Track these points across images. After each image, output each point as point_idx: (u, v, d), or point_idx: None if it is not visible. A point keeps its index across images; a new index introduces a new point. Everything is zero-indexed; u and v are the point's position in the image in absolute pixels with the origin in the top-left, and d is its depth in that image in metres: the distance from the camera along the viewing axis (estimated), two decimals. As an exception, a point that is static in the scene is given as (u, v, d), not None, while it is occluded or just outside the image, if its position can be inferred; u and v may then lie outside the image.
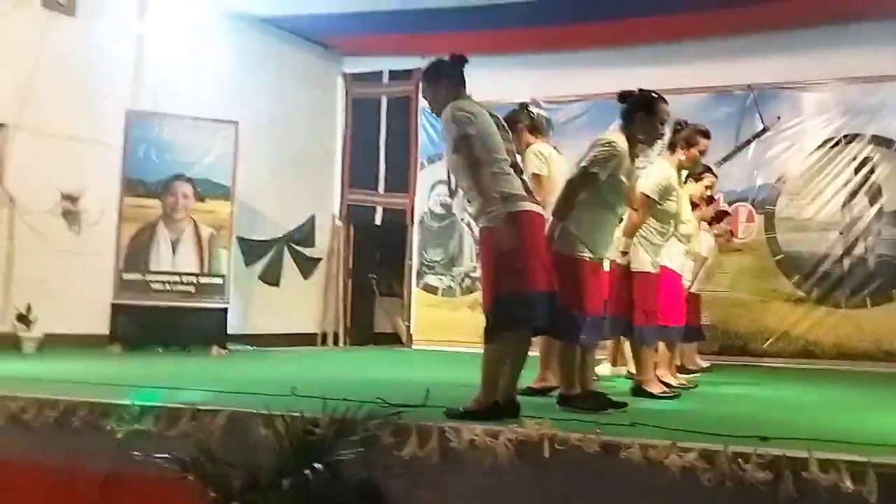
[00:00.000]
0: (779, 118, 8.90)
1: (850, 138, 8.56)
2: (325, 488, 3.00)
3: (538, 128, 5.17)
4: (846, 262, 8.50)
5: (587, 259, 3.96)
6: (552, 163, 4.94)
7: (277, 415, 3.22)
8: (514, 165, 3.81)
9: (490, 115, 3.76)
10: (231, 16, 8.95)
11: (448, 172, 9.63)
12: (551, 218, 3.94)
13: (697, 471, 2.68)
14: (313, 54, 10.24)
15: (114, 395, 3.68)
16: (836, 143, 8.64)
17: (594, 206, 3.97)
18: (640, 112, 4.10)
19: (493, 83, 9.85)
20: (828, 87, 8.76)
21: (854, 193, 8.53)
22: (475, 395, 3.54)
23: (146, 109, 8.00)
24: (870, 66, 8.46)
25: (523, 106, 5.32)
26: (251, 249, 9.26)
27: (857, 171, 8.54)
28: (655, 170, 4.89)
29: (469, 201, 3.81)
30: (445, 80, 3.83)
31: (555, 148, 5.23)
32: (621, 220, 4.42)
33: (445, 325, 9.95)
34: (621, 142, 4.02)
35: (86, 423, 3.53)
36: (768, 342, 8.65)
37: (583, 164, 3.97)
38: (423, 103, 10.10)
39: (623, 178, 4.02)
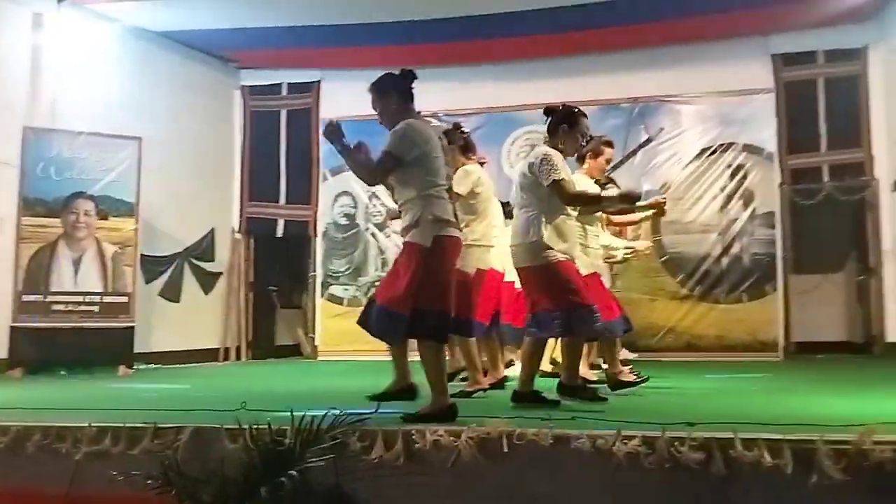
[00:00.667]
0: (662, 129, 9.59)
1: (725, 147, 9.32)
2: (294, 497, 3.15)
3: (469, 147, 5.46)
4: (724, 261, 9.25)
5: (565, 259, 4.35)
6: (471, 176, 5.23)
7: (244, 428, 3.34)
8: (449, 190, 4.06)
9: (439, 137, 4.02)
10: (128, 29, 8.77)
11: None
12: (516, 243, 4.39)
13: (640, 455, 3.01)
14: (211, 67, 10.19)
15: (67, 418, 3.68)
16: (713, 152, 9.39)
17: (554, 215, 4.36)
18: (563, 125, 4.48)
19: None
20: (704, 100, 9.48)
21: (730, 197, 9.30)
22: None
23: (44, 126, 7.75)
24: (741, 81, 9.29)
25: (456, 126, 5.61)
26: (150, 266, 9.08)
27: (732, 176, 9.31)
28: (580, 182, 5.16)
29: (401, 214, 4.03)
30: (394, 93, 4.02)
31: (481, 164, 5.54)
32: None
33: (351, 335, 10.05)
34: (554, 152, 4.38)
35: (40, 447, 3.51)
36: (657, 337, 9.28)
37: (547, 182, 4.30)
38: (324, 114, 10.32)
39: (569, 178, 4.41)
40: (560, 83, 9.64)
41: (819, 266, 9.80)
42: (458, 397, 4.38)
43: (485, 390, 5.08)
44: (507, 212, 7.44)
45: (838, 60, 9.20)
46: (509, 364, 7.03)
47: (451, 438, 3.19)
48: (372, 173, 4.03)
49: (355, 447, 3.26)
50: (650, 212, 5.95)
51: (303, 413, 3.30)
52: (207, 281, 10.03)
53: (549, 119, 4.56)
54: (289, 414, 3.29)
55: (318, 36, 9.32)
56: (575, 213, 4.64)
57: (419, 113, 4.06)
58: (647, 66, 9.48)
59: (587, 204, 4.83)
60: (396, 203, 4.10)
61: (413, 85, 4.04)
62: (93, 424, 3.52)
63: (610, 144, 5.66)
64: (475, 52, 9.69)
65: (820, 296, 9.82)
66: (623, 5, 8.35)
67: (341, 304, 10.24)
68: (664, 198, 6.04)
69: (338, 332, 10.11)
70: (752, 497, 2.91)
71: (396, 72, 4.09)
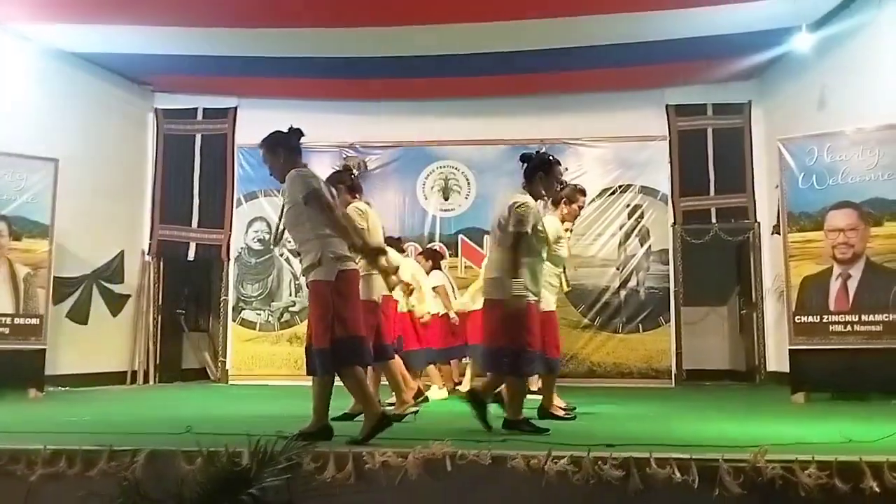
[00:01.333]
0: (566, 169, 10.11)
1: (624, 188, 10.02)
2: (250, 516, 3.37)
3: (356, 188, 5.80)
4: (622, 294, 9.90)
5: (533, 302, 4.66)
6: (369, 217, 5.56)
7: (199, 451, 3.53)
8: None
9: (327, 184, 4.39)
10: (45, 50, 8.69)
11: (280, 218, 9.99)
12: (492, 276, 4.69)
13: (568, 473, 3.39)
14: (126, 90, 10.16)
15: (17, 441, 3.76)
16: (613, 192, 10.07)
17: (530, 257, 4.67)
18: (540, 172, 4.82)
19: (311, 127, 10.39)
20: (605, 144, 10.17)
21: (628, 235, 9.99)
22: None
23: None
24: (638, 128, 10.05)
25: (346, 168, 5.98)
26: (59, 287, 8.91)
27: (630, 215, 10.01)
28: (549, 222, 5.37)
29: (300, 255, 4.34)
30: (283, 149, 4.36)
31: (368, 203, 5.90)
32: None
33: (264, 359, 10.18)
34: (530, 199, 4.71)
35: (-7, 469, 3.58)
36: (561, 365, 9.79)
37: (511, 228, 4.59)
38: (239, 140, 10.44)
39: (540, 228, 4.73)
40: (472, 122, 10.23)
41: (706, 299, 10.64)
42: (392, 421, 4.66)
43: (415, 413, 5.37)
44: (399, 247, 7.91)
45: (725, 113, 10.10)
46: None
47: (399, 459, 3.48)
48: (334, 222, 4.23)
49: (309, 467, 3.50)
50: None
51: (258, 437, 3.54)
52: (116, 303, 9.91)
53: (525, 165, 4.86)
54: (239, 436, 3.53)
55: (235, 65, 9.44)
56: (544, 255, 4.94)
57: (305, 165, 4.39)
58: (554, 111, 10.11)
59: (508, 266, 4.72)
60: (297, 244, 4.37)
61: (300, 141, 4.40)
62: (48, 447, 3.61)
63: (583, 193, 6.03)
64: (390, 88, 10.07)
65: (707, 327, 10.67)
66: (533, 55, 8.87)
67: (254, 328, 10.31)
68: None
69: (249, 356, 10.20)
70: (664, 509, 3.34)
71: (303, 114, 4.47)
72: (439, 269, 8.60)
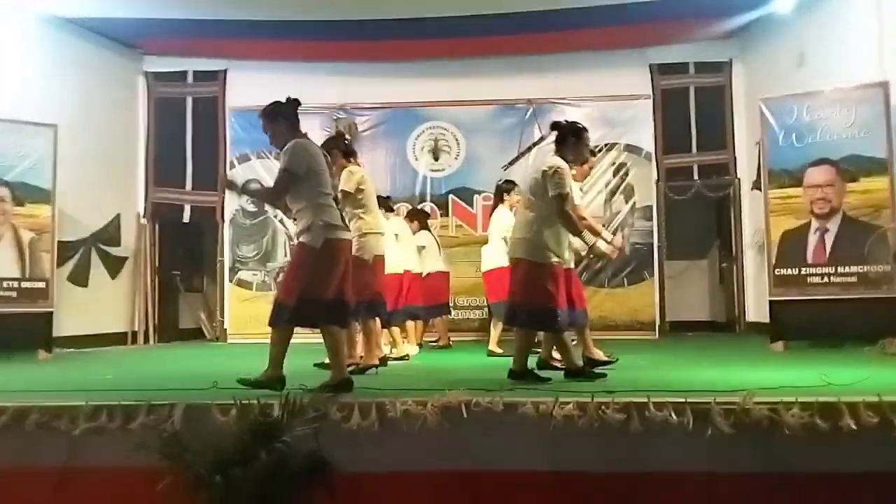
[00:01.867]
0: (553, 128, 10.42)
1: (609, 147, 10.27)
2: (280, 463, 3.66)
3: (350, 152, 6.09)
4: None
5: (556, 262, 4.91)
6: (365, 179, 5.89)
7: (233, 403, 3.81)
8: (335, 199, 4.68)
9: (323, 154, 4.65)
10: (40, 16, 8.73)
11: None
12: (519, 236, 4.94)
13: (574, 417, 3.71)
14: (117, 53, 10.22)
15: (62, 398, 4.02)
16: (599, 151, 10.23)
17: (554, 221, 4.90)
18: (572, 138, 5.07)
19: (301, 89, 10.52)
20: (590, 104, 10.36)
21: (613, 192, 10.28)
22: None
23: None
24: (622, 87, 10.28)
25: (339, 134, 6.23)
26: (60, 251, 9.07)
27: (615, 173, 10.29)
28: None
29: (295, 220, 4.62)
30: (282, 119, 4.63)
31: (359, 165, 6.18)
32: None
33: (259, 319, 10.36)
34: (563, 163, 4.94)
35: (39, 425, 3.84)
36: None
37: (552, 192, 4.81)
38: (230, 103, 10.55)
39: (570, 192, 4.98)
40: (461, 82, 10.39)
41: (688, 254, 11.01)
42: (354, 373, 5.08)
43: (377, 366, 5.74)
44: (388, 206, 8.17)
45: (707, 72, 10.36)
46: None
47: (419, 407, 3.78)
48: (276, 194, 4.65)
49: (335, 417, 3.80)
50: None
51: (288, 390, 3.83)
52: (114, 266, 10.09)
53: (557, 132, 5.11)
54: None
55: (224, 28, 9.48)
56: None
57: (305, 134, 4.66)
58: (540, 71, 10.31)
59: (568, 227, 5.04)
60: (291, 212, 4.64)
61: (298, 110, 4.65)
62: (89, 402, 3.88)
63: (593, 153, 6.29)
64: (380, 50, 10.17)
65: (688, 280, 11.06)
66: (518, 16, 9.00)
67: (250, 288, 10.54)
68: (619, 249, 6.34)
69: (246, 316, 10.40)
70: (662, 448, 3.67)
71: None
72: (427, 229, 8.84)
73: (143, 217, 10.53)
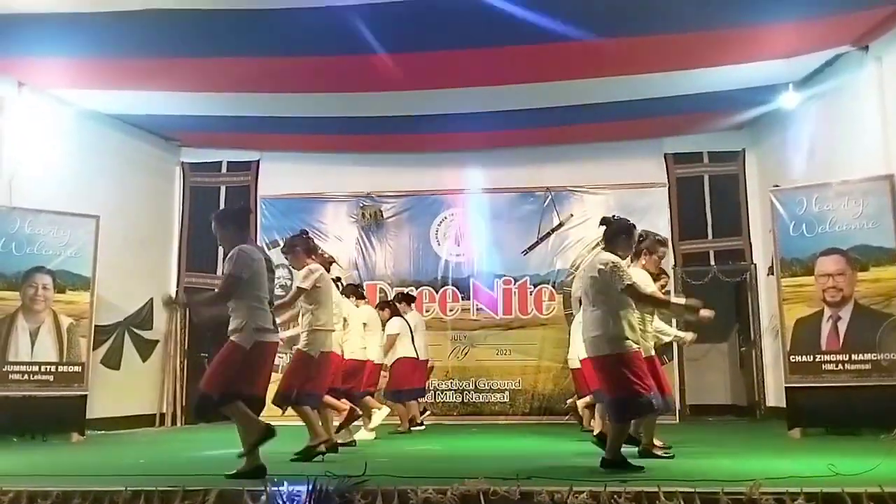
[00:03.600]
0: (571, 215, 10.79)
1: (627, 233, 10.52)
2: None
3: (312, 250, 6.34)
4: (627, 334, 10.35)
5: (637, 349, 5.03)
6: (320, 277, 6.12)
7: (262, 489, 4.02)
8: (271, 303, 4.99)
9: (266, 259, 5.00)
10: (81, 112, 9.28)
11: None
12: (592, 335, 5.05)
13: (588, 506, 3.88)
14: (154, 145, 10.80)
15: (103, 483, 4.25)
16: (619, 238, 10.58)
17: (625, 310, 5.01)
18: (622, 235, 5.28)
19: (329, 178, 11.06)
20: (608, 191, 10.73)
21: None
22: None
23: (2, 203, 8.13)
24: (639, 175, 10.63)
25: (303, 232, 6.53)
26: (94, 335, 9.43)
27: (632, 259, 10.43)
28: (635, 274, 5.59)
29: (231, 318, 4.91)
30: (231, 224, 5.05)
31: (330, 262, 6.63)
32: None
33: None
34: (616, 258, 5.11)
35: (80, 510, 4.06)
36: (568, 403, 10.25)
37: (621, 287, 4.94)
38: (262, 191, 11.02)
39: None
40: (482, 171, 10.81)
41: (708, 337, 11.08)
42: (302, 457, 5.67)
43: (323, 453, 5.91)
44: (359, 293, 8.44)
45: (720, 161, 10.72)
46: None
47: (439, 495, 3.96)
48: (221, 297, 4.95)
49: (360, 503, 3.99)
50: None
51: (314, 476, 4.03)
52: (145, 349, 10.40)
53: (607, 229, 5.33)
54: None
55: (257, 123, 10.01)
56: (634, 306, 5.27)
57: (252, 238, 4.99)
58: (558, 161, 10.74)
59: (657, 306, 5.35)
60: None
61: (248, 217, 5.03)
62: (129, 488, 4.10)
63: (664, 244, 6.38)
64: (404, 142, 10.68)
65: (708, 363, 11.13)
66: (538, 112, 9.42)
67: (276, 371, 10.68)
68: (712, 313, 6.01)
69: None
70: (673, 536, 3.81)
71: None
72: (400, 315, 9.01)
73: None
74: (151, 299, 10.50)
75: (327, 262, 6.84)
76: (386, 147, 10.77)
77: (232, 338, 4.81)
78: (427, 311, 10.73)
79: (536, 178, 10.77)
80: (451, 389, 10.57)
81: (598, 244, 10.36)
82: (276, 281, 10.65)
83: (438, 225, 10.99)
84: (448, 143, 10.62)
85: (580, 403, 8.31)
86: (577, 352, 7.33)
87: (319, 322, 6.09)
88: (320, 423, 6.16)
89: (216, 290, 5.06)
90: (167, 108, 9.53)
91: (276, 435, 4.77)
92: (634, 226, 5.45)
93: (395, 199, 11.07)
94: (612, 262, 5.07)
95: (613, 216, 5.53)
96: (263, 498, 4.02)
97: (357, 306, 8.22)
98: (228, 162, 11.25)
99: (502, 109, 9.32)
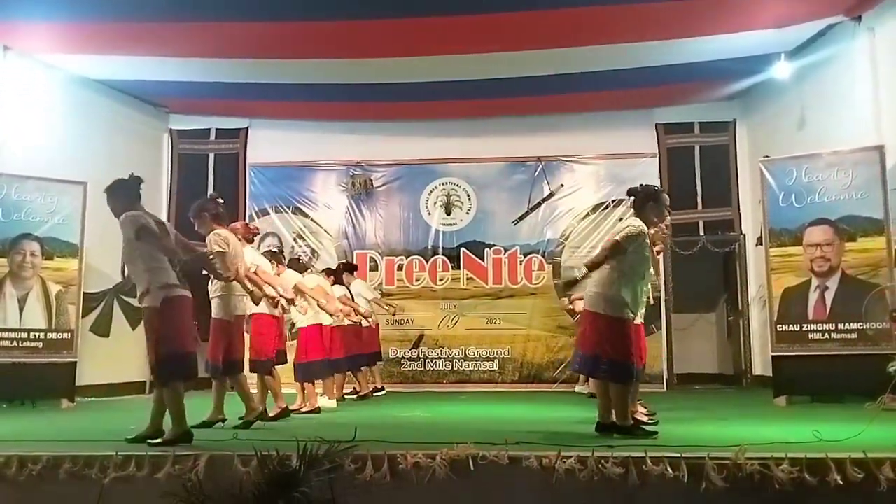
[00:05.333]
0: (562, 185, 10.78)
1: (617, 202, 10.54)
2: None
3: (220, 216, 6.19)
4: (616, 303, 10.41)
5: (631, 319, 5.10)
6: (230, 243, 6.01)
7: (253, 454, 4.04)
8: (171, 261, 4.97)
9: (157, 221, 5.04)
10: (69, 77, 9.18)
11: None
12: (595, 290, 5.07)
13: (575, 471, 3.91)
14: (143, 112, 10.69)
15: (94, 448, 4.27)
16: (606, 207, 10.63)
17: (634, 278, 5.07)
18: (650, 202, 5.28)
19: (319, 146, 11.00)
20: (598, 161, 10.73)
21: (621, 247, 10.50)
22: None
23: (-11, 170, 8.07)
24: (629, 145, 10.62)
25: (212, 197, 6.43)
26: (84, 302, 9.40)
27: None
28: None
29: (136, 284, 4.96)
30: (121, 193, 5.07)
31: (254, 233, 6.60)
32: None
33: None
34: (643, 226, 5.13)
35: (70, 474, 4.08)
36: (558, 371, 10.36)
37: (617, 237, 5.06)
38: (251, 159, 10.96)
39: (647, 254, 5.19)
40: (472, 140, 10.78)
41: (695, 307, 11.19)
42: (242, 428, 5.67)
43: (263, 419, 6.02)
44: (299, 267, 8.40)
45: (711, 131, 10.71)
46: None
47: (428, 460, 3.99)
48: (130, 261, 4.93)
49: (349, 468, 4.02)
50: None
51: (305, 441, 4.06)
52: (134, 316, 10.34)
53: (635, 198, 5.33)
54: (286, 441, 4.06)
55: (246, 90, 9.92)
56: (652, 277, 5.40)
57: (142, 206, 5.05)
58: (550, 130, 10.70)
59: (592, 266, 5.16)
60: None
61: (140, 187, 5.11)
62: (119, 452, 4.12)
63: (668, 211, 6.28)
64: (394, 110, 10.60)
65: (696, 333, 11.22)
66: (530, 80, 9.38)
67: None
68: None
69: (262, 365, 10.61)
70: (659, 501, 3.86)
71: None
72: (341, 283, 8.99)
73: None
74: (139, 268, 10.44)
75: (251, 233, 6.88)
76: (377, 115, 10.69)
77: (142, 304, 4.87)
78: (417, 281, 10.77)
79: (527, 147, 10.73)
80: (440, 358, 10.62)
81: (588, 214, 10.60)
82: (266, 249, 10.92)
83: (429, 194, 10.96)
84: (439, 111, 10.55)
85: None
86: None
87: (228, 287, 6.02)
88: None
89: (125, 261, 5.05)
90: (156, 73, 9.42)
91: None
92: (660, 190, 5.47)
93: (386, 168, 11.03)
94: (629, 224, 5.13)
95: (640, 185, 5.51)
96: (254, 462, 4.06)
97: (303, 277, 8.15)
98: (217, 129, 11.16)
99: (493, 78, 9.25)
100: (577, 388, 9.34)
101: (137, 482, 4.06)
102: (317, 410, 7.28)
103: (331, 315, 7.76)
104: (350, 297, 8.95)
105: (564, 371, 10.27)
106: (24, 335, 8.00)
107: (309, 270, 8.78)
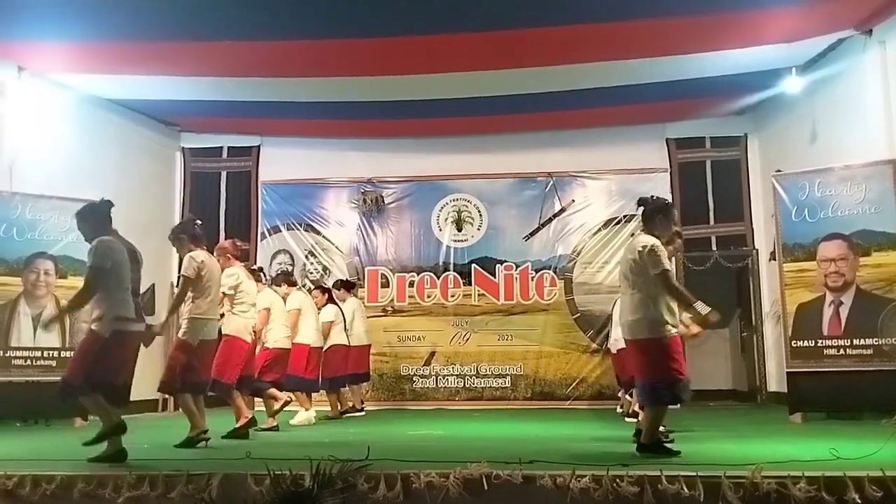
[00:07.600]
0: (573, 200, 10.77)
1: (629, 218, 10.52)
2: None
3: (198, 238, 6.16)
4: (628, 319, 10.37)
5: (675, 334, 5.01)
6: (205, 265, 5.98)
7: (266, 474, 4.02)
8: (135, 292, 5.09)
9: (129, 249, 5.13)
10: (82, 96, 9.26)
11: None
12: (632, 318, 5.00)
13: (590, 490, 3.88)
14: (155, 130, 10.78)
15: (107, 468, 4.27)
16: (618, 222, 10.62)
17: (658, 292, 4.96)
18: (659, 215, 5.18)
19: (330, 163, 11.04)
20: (609, 177, 10.72)
21: (633, 263, 10.47)
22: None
23: (3, 188, 8.12)
24: (641, 160, 10.61)
25: (190, 219, 6.45)
26: (96, 320, 9.45)
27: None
28: None
29: (91, 306, 5.00)
30: (92, 219, 5.17)
31: (211, 253, 6.39)
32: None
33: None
34: (655, 240, 5.02)
35: (84, 493, 4.08)
36: (570, 387, 10.31)
37: (654, 271, 4.89)
38: (263, 177, 11.01)
39: (668, 267, 5.04)
40: (483, 157, 10.81)
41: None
42: (183, 446, 5.77)
43: (206, 440, 6.00)
44: (290, 282, 8.43)
45: (722, 146, 10.68)
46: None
47: (442, 479, 3.97)
48: (87, 291, 4.96)
49: (363, 487, 4.00)
50: None
51: (318, 460, 4.04)
52: (147, 334, 10.36)
53: (644, 209, 5.23)
54: (299, 460, 4.04)
55: (258, 108, 9.97)
56: None
57: (115, 231, 5.14)
58: (561, 146, 10.71)
59: (681, 301, 5.06)
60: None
61: (111, 212, 5.19)
62: (133, 472, 4.12)
63: (680, 235, 6.31)
64: (406, 127, 10.63)
65: (710, 349, 11.13)
66: (540, 96, 9.38)
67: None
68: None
69: (274, 383, 10.61)
70: (675, 520, 3.83)
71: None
72: (334, 302, 9.01)
73: (176, 287, 10.84)
74: (153, 285, 10.47)
75: (239, 250, 6.95)
76: (387, 132, 10.74)
77: (92, 326, 4.94)
78: (429, 297, 10.76)
79: (538, 163, 10.73)
80: (452, 375, 10.59)
81: (599, 230, 10.58)
82: (278, 267, 10.94)
83: (440, 210, 10.97)
84: (449, 128, 10.57)
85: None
86: (617, 335, 7.25)
87: (199, 310, 5.95)
88: (202, 413, 6.07)
89: (82, 285, 5.07)
90: (168, 92, 9.49)
91: (126, 431, 5.04)
92: (670, 204, 5.40)
93: (397, 185, 11.05)
94: (650, 245, 4.97)
95: (652, 196, 5.46)
96: (267, 482, 4.04)
97: (287, 293, 8.18)
98: (229, 147, 11.22)
99: (504, 94, 9.27)
100: (619, 410, 9.09)
101: (151, 501, 4.05)
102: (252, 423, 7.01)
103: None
104: (342, 316, 8.96)
105: (577, 388, 10.23)
106: (38, 354, 8.02)
107: (296, 287, 8.73)
